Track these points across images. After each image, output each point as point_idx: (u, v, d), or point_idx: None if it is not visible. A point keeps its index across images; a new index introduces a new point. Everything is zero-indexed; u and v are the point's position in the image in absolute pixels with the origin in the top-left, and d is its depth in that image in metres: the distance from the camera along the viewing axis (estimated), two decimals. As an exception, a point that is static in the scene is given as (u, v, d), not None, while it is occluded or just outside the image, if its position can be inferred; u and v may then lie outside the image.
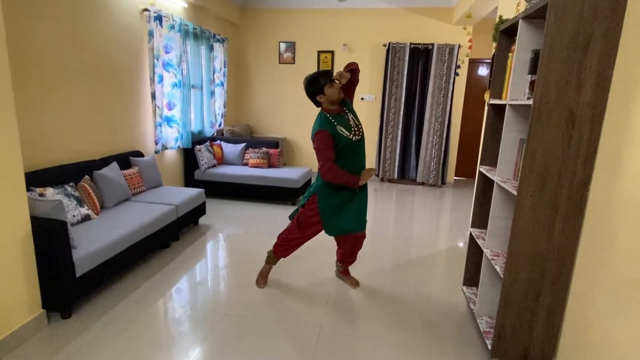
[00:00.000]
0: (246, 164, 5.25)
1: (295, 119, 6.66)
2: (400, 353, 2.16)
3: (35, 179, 2.68)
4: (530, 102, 1.80)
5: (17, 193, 2.08)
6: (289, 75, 6.54)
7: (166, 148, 4.51)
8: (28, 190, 2.49)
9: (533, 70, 1.92)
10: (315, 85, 2.40)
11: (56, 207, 2.32)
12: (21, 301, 2.13)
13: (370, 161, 6.38)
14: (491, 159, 2.50)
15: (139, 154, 3.95)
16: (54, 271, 2.24)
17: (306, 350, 2.15)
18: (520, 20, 2.00)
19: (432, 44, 5.86)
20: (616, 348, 1.51)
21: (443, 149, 6.14)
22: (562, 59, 1.67)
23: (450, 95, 5.95)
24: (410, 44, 5.94)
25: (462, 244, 3.85)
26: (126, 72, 3.83)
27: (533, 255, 1.87)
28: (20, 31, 2.71)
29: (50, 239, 2.20)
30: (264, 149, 5.23)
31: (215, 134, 5.71)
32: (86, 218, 2.87)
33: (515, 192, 1.84)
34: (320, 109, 2.52)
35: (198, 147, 4.89)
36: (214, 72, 5.54)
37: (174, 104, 4.59)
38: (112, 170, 3.33)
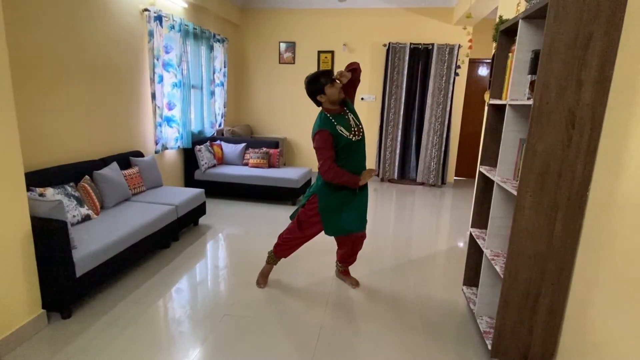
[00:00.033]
0: (246, 164, 5.25)
1: (295, 119, 6.66)
2: (400, 353, 2.16)
3: (36, 179, 2.68)
4: (530, 102, 1.80)
5: (17, 193, 2.08)
6: (289, 75, 6.54)
7: (166, 148, 4.51)
8: (28, 190, 2.49)
9: (533, 70, 1.92)
10: (315, 85, 2.40)
11: (56, 207, 2.32)
12: (21, 301, 2.13)
13: (370, 161, 6.38)
14: (491, 159, 2.50)
15: (139, 154, 3.95)
16: (54, 271, 2.24)
17: (306, 351, 2.15)
18: (520, 21, 2.00)
19: (432, 44, 5.86)
20: (616, 348, 1.51)
21: (443, 149, 6.14)
22: (562, 59, 1.67)
23: (450, 95, 5.95)
24: (410, 44, 5.94)
25: (462, 244, 3.85)
26: (126, 72, 3.83)
27: (533, 255, 1.87)
28: (20, 31, 2.71)
29: (50, 239, 2.20)
30: (264, 149, 5.23)
31: (215, 134, 5.71)
32: (86, 218, 2.87)
33: (515, 192, 1.84)
34: (320, 108, 2.52)
35: (198, 147, 4.89)
36: (214, 72, 5.54)
37: (174, 104, 4.59)
38: (112, 170, 3.33)
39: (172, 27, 4.38)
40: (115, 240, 2.65)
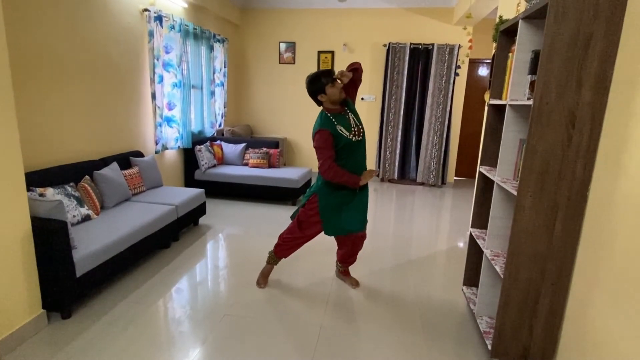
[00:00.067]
0: (246, 164, 5.25)
1: (295, 119, 6.66)
2: (400, 353, 2.16)
3: (36, 179, 2.68)
4: (530, 102, 1.80)
5: (17, 193, 2.09)
6: (289, 75, 6.54)
7: (166, 148, 4.51)
8: (28, 190, 2.49)
9: (533, 70, 1.92)
10: (316, 85, 2.41)
11: (56, 207, 2.32)
12: (21, 301, 2.13)
13: (371, 161, 6.38)
14: (491, 159, 2.50)
15: (139, 154, 3.95)
16: (54, 271, 2.24)
17: (306, 351, 2.15)
18: (520, 21, 2.00)
19: (432, 44, 5.86)
20: (616, 348, 1.51)
21: (443, 149, 6.14)
22: (562, 59, 1.67)
23: (450, 95, 5.95)
24: (411, 44, 5.94)
25: (462, 244, 3.85)
26: (126, 72, 3.83)
27: (533, 255, 1.87)
28: (20, 31, 2.71)
29: (50, 239, 2.20)
30: (264, 149, 5.23)
31: (215, 134, 5.71)
32: (86, 218, 2.87)
33: (515, 192, 1.84)
34: (321, 108, 2.52)
35: (198, 147, 4.89)
36: (214, 72, 5.55)
37: (174, 104, 4.59)
38: (112, 171, 3.33)
39: (172, 27, 4.39)
40: (115, 240, 2.65)
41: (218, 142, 5.37)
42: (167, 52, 4.38)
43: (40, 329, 2.23)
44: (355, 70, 2.53)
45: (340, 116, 2.45)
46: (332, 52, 6.33)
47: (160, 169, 4.47)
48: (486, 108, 2.89)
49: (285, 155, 6.71)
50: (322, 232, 2.63)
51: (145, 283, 2.81)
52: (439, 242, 3.96)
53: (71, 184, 2.91)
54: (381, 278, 3.04)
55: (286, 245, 2.72)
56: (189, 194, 3.76)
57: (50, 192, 2.65)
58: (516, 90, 2.06)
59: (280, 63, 6.54)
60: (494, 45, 3.06)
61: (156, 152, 4.36)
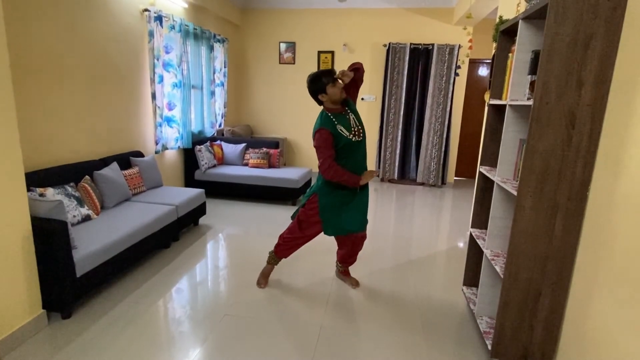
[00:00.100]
0: (246, 164, 5.25)
1: (295, 119, 6.66)
2: (400, 353, 2.16)
3: (36, 179, 2.68)
4: (530, 102, 1.80)
5: (17, 193, 2.09)
6: (289, 75, 6.54)
7: (166, 148, 4.51)
8: (28, 190, 2.49)
9: (533, 70, 1.92)
10: (317, 84, 2.40)
11: (56, 207, 2.32)
12: (21, 301, 2.13)
13: (371, 161, 6.38)
14: (491, 159, 2.50)
15: (139, 154, 3.95)
16: (55, 271, 2.24)
17: (306, 351, 2.15)
18: (520, 21, 2.00)
19: (432, 44, 5.86)
20: (616, 348, 1.51)
21: (443, 149, 6.14)
22: (562, 59, 1.67)
23: (450, 95, 5.95)
24: (411, 44, 5.94)
25: (462, 244, 3.85)
26: (126, 72, 3.84)
27: (533, 255, 1.87)
28: (20, 31, 2.71)
29: (50, 239, 2.20)
30: (264, 149, 5.23)
31: (215, 134, 5.71)
32: (86, 218, 2.87)
33: (515, 193, 1.84)
34: (322, 107, 2.52)
35: (198, 147, 4.89)
36: (214, 73, 5.55)
37: (174, 104, 4.59)
38: (112, 171, 3.33)
39: (172, 27, 4.39)
40: (116, 241, 2.65)
41: (218, 142, 5.37)
42: (167, 52, 4.38)
43: (40, 329, 2.23)
44: (357, 70, 2.53)
45: (340, 116, 2.45)
46: (332, 52, 6.33)
47: (161, 169, 4.47)
48: (486, 108, 2.89)
49: (285, 156, 6.71)
50: (322, 232, 2.63)
51: (145, 283, 2.81)
52: (439, 242, 3.96)
53: (71, 184, 2.91)
54: (381, 278, 3.04)
55: (286, 245, 2.72)
56: (189, 194, 3.76)
57: (51, 192, 2.66)
58: (516, 90, 2.06)
59: (280, 63, 6.54)
60: (494, 45, 3.06)
61: (156, 152, 4.36)
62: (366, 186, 2.59)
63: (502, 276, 1.95)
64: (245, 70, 6.70)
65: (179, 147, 4.76)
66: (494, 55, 2.79)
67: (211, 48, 5.36)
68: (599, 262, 1.66)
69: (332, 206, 2.54)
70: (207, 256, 3.38)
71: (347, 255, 2.83)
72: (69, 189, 2.84)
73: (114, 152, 3.72)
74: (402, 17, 6.04)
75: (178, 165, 4.95)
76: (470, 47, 5.77)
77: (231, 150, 5.33)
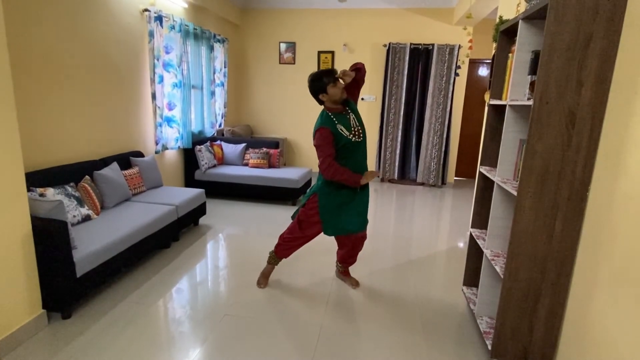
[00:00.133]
0: (246, 164, 5.26)
1: (295, 119, 6.66)
2: (400, 353, 2.16)
3: (36, 179, 2.68)
4: (530, 102, 1.80)
5: (17, 193, 2.09)
6: (289, 75, 6.54)
7: (166, 148, 4.51)
8: (28, 190, 2.49)
9: (533, 70, 1.92)
10: (318, 84, 2.41)
11: (56, 207, 2.32)
12: (21, 301, 2.13)
13: (371, 161, 6.38)
14: (491, 160, 2.50)
15: (140, 154, 3.95)
16: (55, 271, 2.24)
17: (306, 351, 2.15)
18: (520, 21, 2.00)
19: (433, 45, 5.87)
20: (616, 348, 1.51)
21: (443, 149, 6.14)
22: (562, 60, 1.67)
23: (450, 95, 5.96)
24: (411, 44, 5.94)
25: (462, 244, 3.85)
26: (126, 73, 3.84)
27: (533, 255, 1.87)
28: (20, 31, 2.71)
29: (50, 239, 2.20)
30: (264, 149, 5.23)
31: (215, 134, 5.71)
32: (86, 218, 2.87)
33: (515, 193, 1.84)
34: (323, 107, 2.52)
35: (198, 147, 4.89)
36: (214, 73, 5.55)
37: (174, 104, 4.59)
38: (112, 171, 3.33)
39: (173, 28, 4.39)
40: (116, 241, 2.65)
41: (218, 142, 5.37)
42: (167, 52, 4.38)
43: (41, 329, 2.23)
44: (358, 70, 2.53)
45: (341, 116, 2.45)
46: (332, 52, 6.33)
47: (161, 169, 4.47)
48: (486, 108, 2.89)
49: (285, 156, 6.71)
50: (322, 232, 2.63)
51: (145, 283, 2.81)
52: (439, 242, 3.96)
53: (71, 184, 2.91)
54: (381, 278, 3.04)
55: (287, 245, 2.72)
56: (189, 194, 3.76)
57: (51, 192, 2.66)
58: (516, 90, 2.06)
59: (280, 63, 6.54)
60: (494, 45, 3.06)
61: (156, 152, 4.36)
62: (366, 186, 2.59)
63: (502, 276, 1.95)
64: (245, 70, 6.70)
65: (179, 147, 4.76)
66: (494, 55, 2.79)
67: (211, 48, 5.36)
68: (599, 262, 1.66)
69: (332, 206, 2.54)
70: (207, 256, 3.38)
71: (347, 256, 2.83)
72: (69, 189, 2.84)
73: (114, 152, 3.72)
74: (402, 17, 6.04)
75: (178, 165, 4.95)
76: (470, 47, 5.77)
77: (231, 150, 5.33)
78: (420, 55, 5.97)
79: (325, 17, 6.24)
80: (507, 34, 2.34)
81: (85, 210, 2.87)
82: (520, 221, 1.84)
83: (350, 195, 2.54)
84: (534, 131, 1.75)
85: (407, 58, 5.96)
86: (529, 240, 1.86)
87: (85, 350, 2.08)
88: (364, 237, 2.75)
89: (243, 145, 5.36)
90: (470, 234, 2.62)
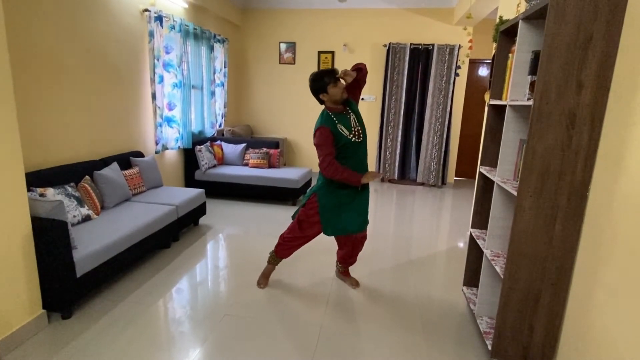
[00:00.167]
0: (246, 165, 5.26)
1: (295, 120, 6.66)
2: (400, 353, 2.16)
3: (36, 179, 2.68)
4: (530, 102, 1.80)
5: (17, 193, 2.09)
6: (289, 75, 6.54)
7: (166, 148, 4.51)
8: (28, 190, 2.49)
9: (533, 70, 1.92)
10: (319, 84, 2.41)
11: (57, 207, 2.32)
12: (21, 301, 2.13)
13: (371, 161, 6.38)
14: (491, 160, 2.50)
15: (140, 154, 3.95)
16: (55, 271, 2.24)
17: (306, 351, 2.15)
18: (520, 21, 2.00)
19: (433, 45, 5.87)
20: (616, 348, 1.51)
21: (443, 149, 6.14)
22: (562, 60, 1.67)
23: (450, 95, 5.96)
24: (411, 44, 5.94)
25: (462, 245, 3.85)
26: (127, 73, 3.84)
27: (533, 255, 1.87)
28: (20, 31, 2.71)
29: (50, 239, 2.21)
30: (264, 149, 5.23)
31: (215, 134, 5.71)
32: (87, 218, 2.87)
33: (515, 193, 1.84)
34: (323, 106, 2.52)
35: (198, 147, 4.89)
36: (214, 73, 5.55)
37: (174, 105, 4.59)
38: (112, 171, 3.33)
39: (173, 28, 4.39)
40: (116, 241, 2.65)
41: (218, 142, 5.37)
42: (167, 53, 4.38)
43: (41, 329, 2.23)
44: (360, 70, 2.53)
45: (341, 115, 2.45)
46: (333, 53, 6.34)
47: (161, 169, 4.47)
48: (486, 108, 2.89)
49: (285, 156, 6.71)
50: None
51: (145, 283, 2.81)
52: (439, 242, 3.96)
53: (71, 184, 2.91)
54: (381, 278, 3.04)
55: (287, 245, 2.72)
56: (189, 194, 3.76)
57: (51, 192, 2.66)
58: (516, 90, 2.06)
59: (280, 63, 6.54)
60: (494, 45, 3.07)
61: (156, 152, 4.36)
62: (366, 187, 2.59)
63: (502, 276, 1.95)
64: (246, 71, 6.70)
65: (179, 147, 4.76)
66: (494, 55, 2.79)
67: (211, 48, 5.36)
68: (599, 262, 1.66)
69: (332, 206, 2.54)
70: (207, 256, 3.38)
71: (347, 256, 2.83)
72: (69, 189, 2.84)
73: (114, 152, 3.72)
74: (402, 17, 6.04)
75: (178, 165, 4.95)
76: (470, 47, 5.77)
77: (231, 150, 5.33)
78: (420, 55, 5.97)
79: (325, 17, 6.24)
80: (507, 34, 2.34)
81: (85, 211, 2.87)
82: (520, 221, 1.84)
83: (350, 195, 2.54)
84: (534, 131, 1.75)
85: (407, 58, 5.96)
86: (529, 240, 1.86)
87: (85, 350, 2.08)
88: (364, 238, 2.75)
89: (243, 145, 5.36)
90: (470, 234, 2.62)
